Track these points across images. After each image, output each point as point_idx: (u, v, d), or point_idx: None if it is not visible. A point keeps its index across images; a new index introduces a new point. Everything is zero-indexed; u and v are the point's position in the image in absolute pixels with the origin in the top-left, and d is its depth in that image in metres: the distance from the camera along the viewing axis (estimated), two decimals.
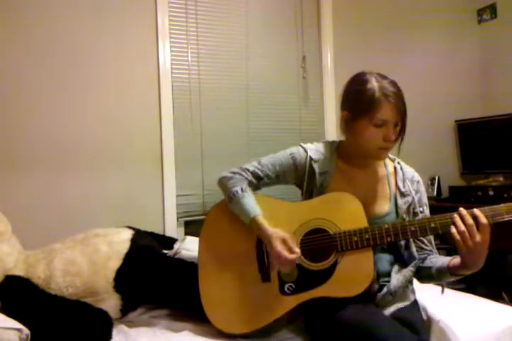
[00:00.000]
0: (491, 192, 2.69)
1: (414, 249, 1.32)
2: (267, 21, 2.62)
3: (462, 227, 1.11)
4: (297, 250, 1.23)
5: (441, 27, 3.11)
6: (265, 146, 2.51)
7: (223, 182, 1.39)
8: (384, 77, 1.29)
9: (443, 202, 2.86)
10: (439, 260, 1.29)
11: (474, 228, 1.11)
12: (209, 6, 2.47)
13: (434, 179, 2.97)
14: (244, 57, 2.55)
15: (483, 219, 1.11)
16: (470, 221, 1.11)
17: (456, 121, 3.10)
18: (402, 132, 1.30)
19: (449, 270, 1.22)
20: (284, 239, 1.24)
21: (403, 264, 1.33)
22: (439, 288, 1.35)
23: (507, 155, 2.83)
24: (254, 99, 2.56)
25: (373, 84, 1.26)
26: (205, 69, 2.45)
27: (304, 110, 2.69)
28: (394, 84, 1.28)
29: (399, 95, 1.26)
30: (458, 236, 1.12)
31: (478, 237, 1.10)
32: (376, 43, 2.88)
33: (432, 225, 1.17)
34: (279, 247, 1.23)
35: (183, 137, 2.38)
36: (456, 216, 1.14)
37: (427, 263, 1.32)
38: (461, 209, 1.15)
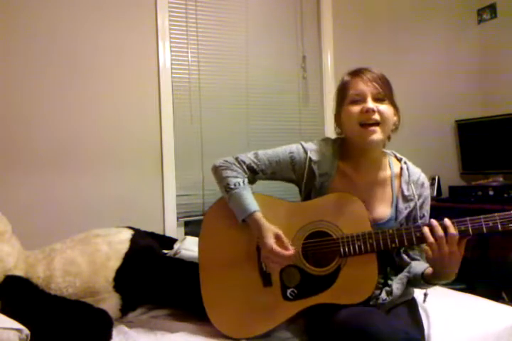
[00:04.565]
0: (491, 192, 2.69)
1: (403, 255, 1.30)
2: (267, 21, 2.62)
3: (431, 239, 1.09)
4: (292, 248, 1.19)
5: (441, 27, 3.11)
6: (265, 146, 2.45)
7: (220, 171, 1.33)
8: None
9: (443, 202, 2.86)
10: (417, 266, 1.26)
11: (443, 240, 1.07)
12: (209, 6, 2.47)
13: (434, 179, 2.97)
14: (244, 57, 2.55)
15: (452, 230, 1.08)
16: (440, 232, 1.08)
17: (456, 121, 3.10)
18: (392, 106, 1.25)
19: (423, 278, 1.20)
20: (277, 234, 1.20)
21: (394, 269, 1.31)
22: (440, 289, 1.35)
23: (507, 155, 2.83)
24: (254, 99, 2.56)
25: (346, 75, 1.32)
26: (205, 69, 2.45)
27: (304, 110, 2.69)
28: (370, 68, 1.29)
29: (373, 71, 1.27)
30: (427, 247, 1.10)
31: (445, 249, 1.07)
32: (376, 43, 2.88)
33: None
34: (272, 241, 1.19)
35: (183, 137, 2.38)
36: (425, 227, 1.11)
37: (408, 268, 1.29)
38: (432, 221, 1.12)
